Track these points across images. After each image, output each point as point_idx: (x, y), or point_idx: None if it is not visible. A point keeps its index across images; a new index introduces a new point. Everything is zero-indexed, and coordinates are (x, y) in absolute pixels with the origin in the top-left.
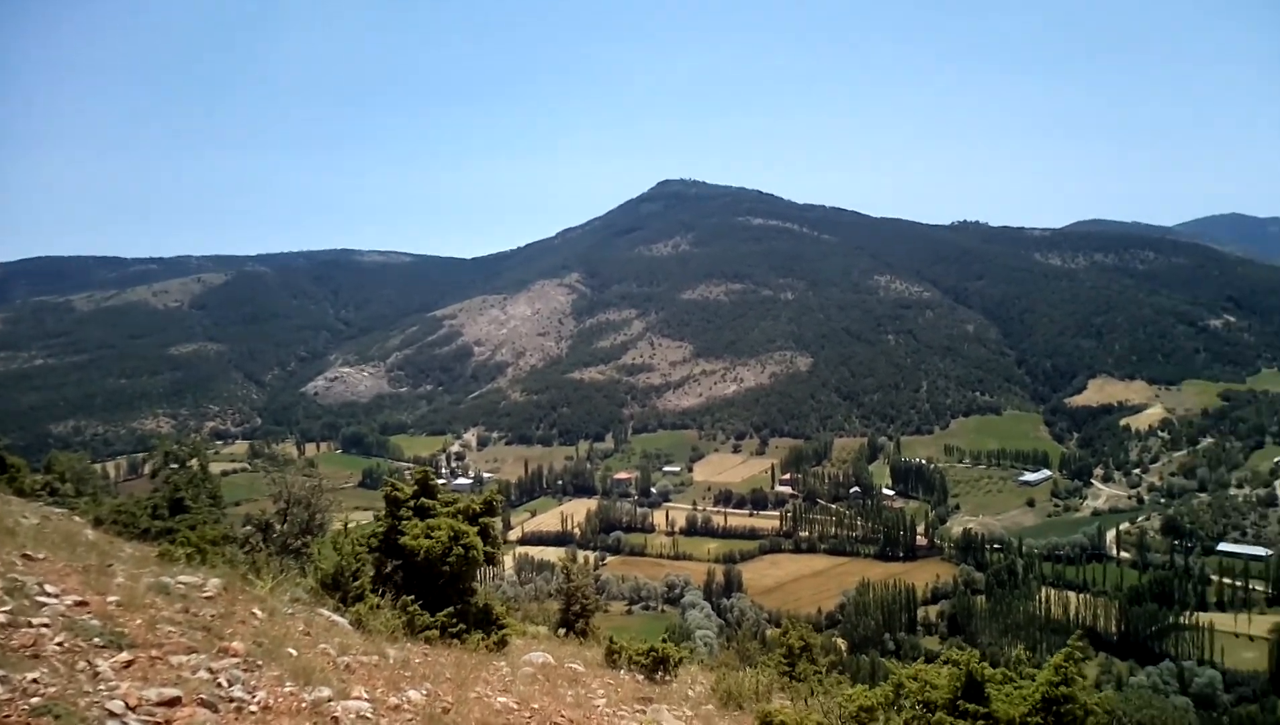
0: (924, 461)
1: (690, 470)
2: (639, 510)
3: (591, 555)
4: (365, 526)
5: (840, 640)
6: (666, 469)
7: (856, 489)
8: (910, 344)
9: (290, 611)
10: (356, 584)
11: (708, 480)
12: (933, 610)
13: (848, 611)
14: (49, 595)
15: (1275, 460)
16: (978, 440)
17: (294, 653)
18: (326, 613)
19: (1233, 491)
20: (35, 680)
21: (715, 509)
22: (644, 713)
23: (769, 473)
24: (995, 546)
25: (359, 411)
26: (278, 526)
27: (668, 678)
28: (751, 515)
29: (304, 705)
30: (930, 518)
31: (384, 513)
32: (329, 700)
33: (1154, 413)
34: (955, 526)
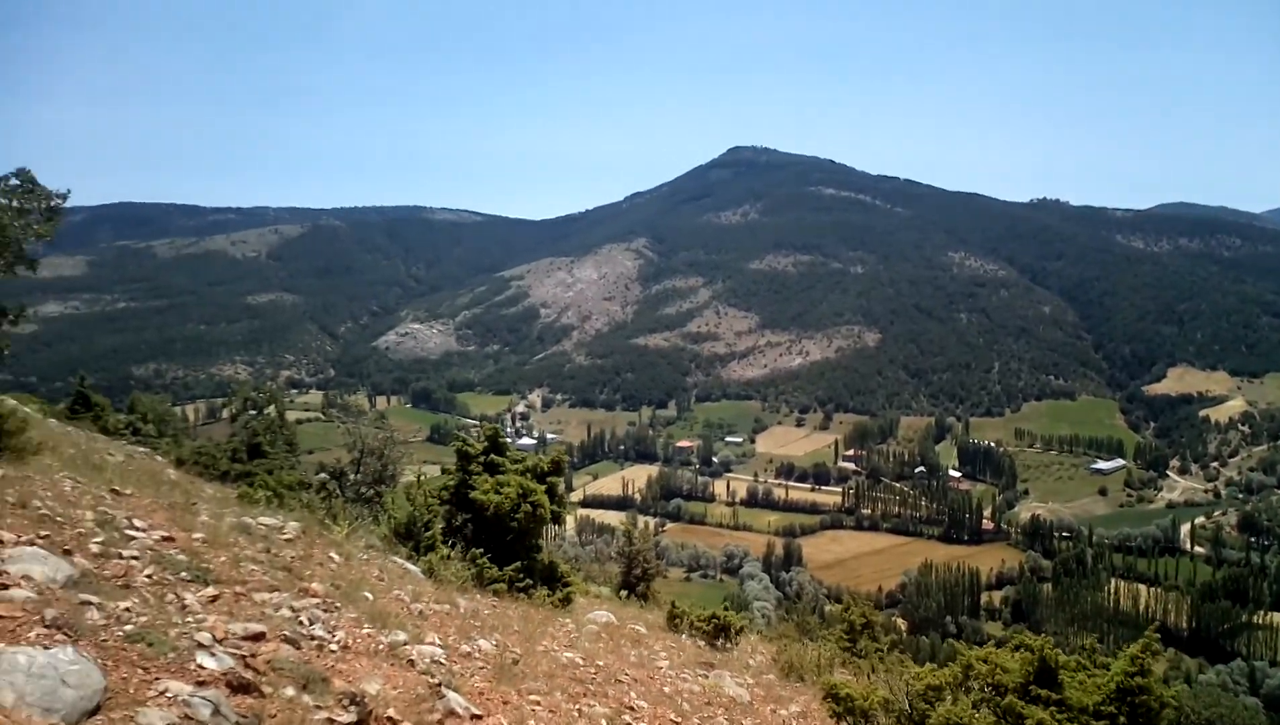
0: (993, 444)
1: (753, 441)
2: (700, 479)
3: (651, 521)
4: (436, 479)
5: (900, 620)
6: (729, 439)
7: (922, 469)
8: (983, 323)
9: (365, 557)
10: (428, 534)
11: (770, 452)
12: (996, 596)
13: (909, 592)
14: (137, 529)
15: None
16: (1050, 425)
17: (369, 597)
18: (399, 561)
19: None
20: (128, 609)
21: (776, 482)
22: (706, 677)
23: (832, 448)
24: (1064, 534)
25: (428, 367)
26: (351, 475)
27: (728, 645)
28: (813, 490)
29: (381, 647)
30: (997, 502)
31: (455, 467)
32: (404, 644)
33: (1235, 405)
34: (1023, 512)
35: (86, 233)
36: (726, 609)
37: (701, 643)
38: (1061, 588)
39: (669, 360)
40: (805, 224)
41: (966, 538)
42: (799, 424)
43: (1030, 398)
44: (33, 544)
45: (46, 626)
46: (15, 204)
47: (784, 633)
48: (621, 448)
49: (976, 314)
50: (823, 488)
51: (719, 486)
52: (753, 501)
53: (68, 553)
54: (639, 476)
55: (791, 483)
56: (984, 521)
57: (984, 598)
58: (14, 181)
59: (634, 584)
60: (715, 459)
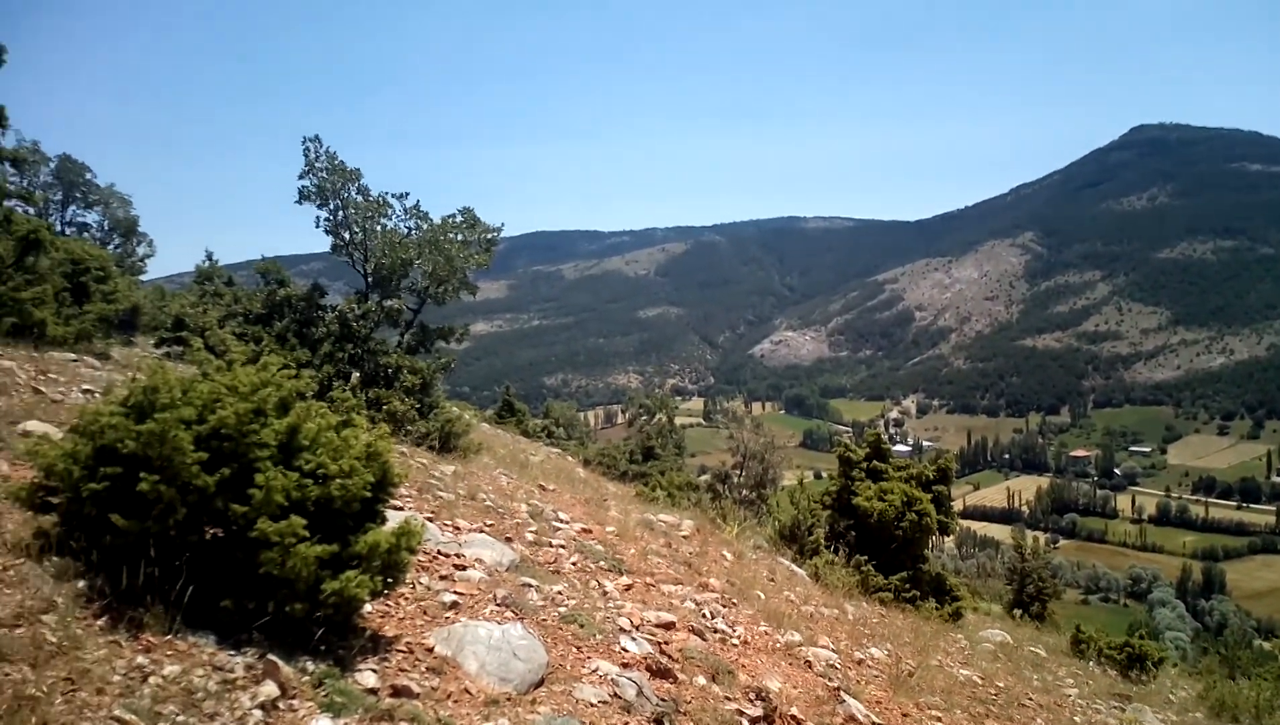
0: None
1: (1163, 452)
2: (1098, 492)
3: (1042, 536)
4: (817, 484)
5: None
6: (1133, 449)
7: None
8: None
9: (754, 557)
10: (811, 538)
11: (1184, 464)
12: None
13: None
14: (561, 521)
15: None
16: None
17: (761, 596)
18: (786, 562)
19: None
20: (560, 593)
21: (1193, 498)
22: (1123, 710)
23: (1264, 460)
24: None
25: (800, 374)
26: (735, 477)
27: (1144, 678)
28: (1239, 508)
29: (778, 645)
30: None
31: (837, 472)
32: (800, 645)
33: None
34: None
35: (508, 260)
36: (1141, 637)
37: (1112, 672)
38: None
39: (1060, 362)
40: (1227, 205)
41: None
42: (1221, 432)
43: None
44: (481, 531)
45: (498, 605)
46: (461, 237)
47: (1208, 668)
48: (1005, 456)
49: None
50: (1252, 506)
51: (1122, 501)
52: (1163, 519)
53: (508, 540)
54: (1026, 487)
55: (1212, 499)
56: None
57: None
58: (459, 218)
59: (1027, 603)
60: (1117, 470)
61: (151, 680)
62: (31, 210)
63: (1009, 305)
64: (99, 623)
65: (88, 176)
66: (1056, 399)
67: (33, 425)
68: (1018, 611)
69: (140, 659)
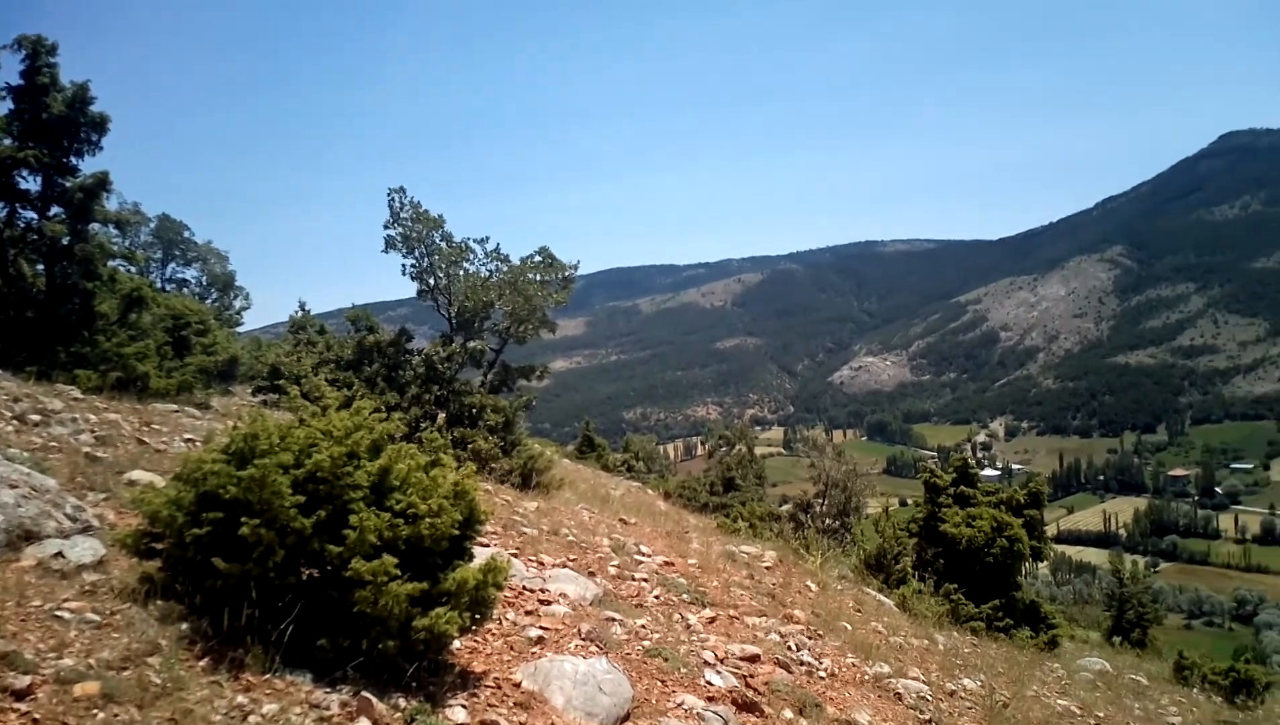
0: None
1: (1266, 468)
2: (1199, 512)
3: (1141, 560)
4: (902, 511)
5: None
6: (1234, 466)
7: None
8: None
9: (839, 587)
10: (898, 567)
11: None
12: None
13: None
14: (643, 555)
15: None
16: None
17: (848, 627)
18: (872, 592)
19: None
20: (643, 626)
21: None
22: None
23: None
24: None
25: (882, 400)
26: (817, 507)
27: (1251, 704)
28: None
29: (866, 678)
30: None
31: (923, 499)
32: (889, 677)
33: None
34: None
35: (585, 297)
36: (1247, 662)
37: (1218, 699)
38: None
39: (1155, 378)
40: None
41: None
42: None
43: None
44: (564, 566)
45: (582, 639)
46: (539, 277)
47: None
48: (1100, 478)
49: None
50: None
51: (1224, 521)
52: (1269, 538)
53: (591, 574)
54: (1123, 510)
55: None
56: None
57: None
58: (537, 258)
59: (1127, 629)
60: (1218, 489)
61: (251, 719)
62: (134, 269)
63: (1099, 322)
64: (201, 663)
65: (186, 235)
66: (1152, 417)
67: (138, 474)
68: (1117, 638)
69: (240, 698)
